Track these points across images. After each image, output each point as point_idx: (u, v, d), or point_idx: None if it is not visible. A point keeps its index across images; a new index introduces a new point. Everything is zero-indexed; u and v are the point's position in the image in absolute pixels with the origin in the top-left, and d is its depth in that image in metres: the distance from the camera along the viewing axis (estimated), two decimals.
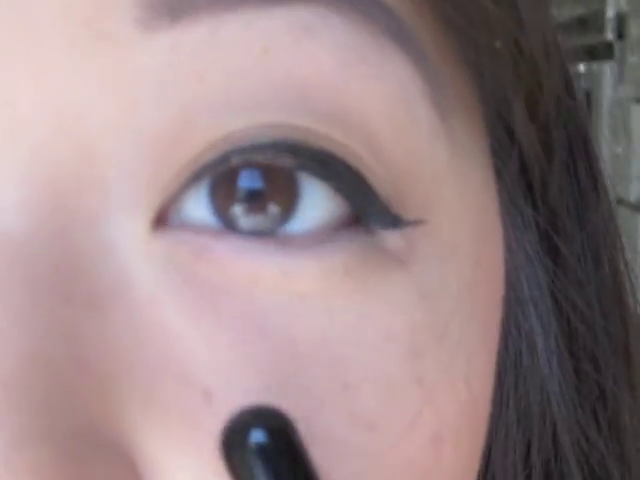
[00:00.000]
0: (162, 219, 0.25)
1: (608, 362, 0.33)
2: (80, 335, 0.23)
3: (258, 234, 0.25)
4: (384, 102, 0.25)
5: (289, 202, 0.25)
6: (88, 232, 0.24)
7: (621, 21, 1.94)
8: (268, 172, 0.25)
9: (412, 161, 0.26)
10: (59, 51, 0.23)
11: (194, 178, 0.25)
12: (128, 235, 0.24)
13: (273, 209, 0.25)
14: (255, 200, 0.25)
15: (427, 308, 0.26)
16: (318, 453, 0.22)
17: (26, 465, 0.21)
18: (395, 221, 0.26)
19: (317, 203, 0.25)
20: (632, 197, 1.92)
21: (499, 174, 0.30)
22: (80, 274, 0.23)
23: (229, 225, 0.25)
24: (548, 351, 0.32)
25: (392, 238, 0.26)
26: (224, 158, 0.24)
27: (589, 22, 1.89)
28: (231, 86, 0.24)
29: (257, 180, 0.25)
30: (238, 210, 0.25)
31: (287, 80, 0.24)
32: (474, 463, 0.28)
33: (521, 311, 0.31)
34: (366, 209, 0.26)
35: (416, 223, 0.26)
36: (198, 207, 0.25)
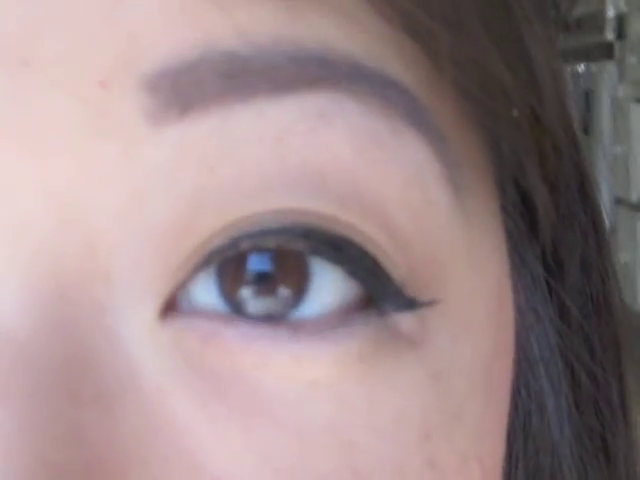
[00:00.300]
0: (170, 306, 0.24)
1: (616, 420, 0.33)
2: (87, 436, 0.23)
3: (268, 318, 0.24)
4: (400, 186, 0.25)
5: (300, 285, 0.25)
6: (93, 324, 0.23)
7: (621, 21, 1.94)
8: (278, 254, 0.24)
9: (428, 243, 0.25)
10: (64, 143, 0.23)
11: (202, 264, 0.24)
12: (134, 325, 0.24)
13: (283, 292, 0.25)
14: (264, 283, 0.24)
15: (440, 389, 0.26)
16: None
17: None
18: (410, 304, 0.25)
19: (329, 286, 0.25)
20: (632, 197, 1.93)
21: (510, 234, 0.29)
22: (86, 369, 0.23)
23: (237, 309, 0.24)
24: (558, 413, 0.31)
25: (406, 320, 0.25)
26: (233, 244, 0.24)
27: (589, 22, 1.89)
28: (243, 177, 0.23)
29: (266, 263, 0.24)
30: (247, 293, 0.24)
31: (302, 168, 0.23)
32: None
33: (531, 372, 0.31)
34: (380, 293, 0.25)
35: (430, 304, 0.25)
36: (206, 291, 0.24)
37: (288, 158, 0.23)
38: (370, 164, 0.24)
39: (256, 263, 0.24)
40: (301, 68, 0.23)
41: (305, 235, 0.24)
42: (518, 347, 0.30)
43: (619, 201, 1.97)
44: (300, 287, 0.25)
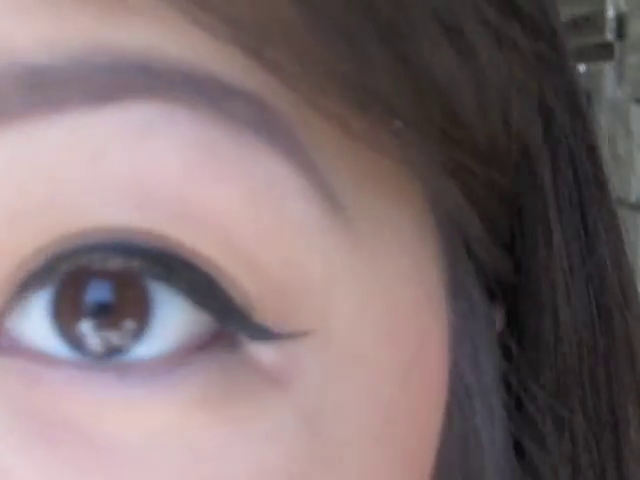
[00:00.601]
0: None
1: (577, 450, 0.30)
2: None
3: (110, 354, 0.23)
4: (243, 202, 0.22)
5: (142, 316, 0.23)
6: None
7: (621, 21, 1.94)
8: (118, 284, 0.23)
9: (286, 266, 0.23)
10: None
11: (21, 288, 0.22)
12: None
13: (127, 324, 0.23)
14: (105, 315, 0.23)
15: (311, 432, 0.23)
16: None
17: None
18: (265, 334, 0.23)
19: (174, 315, 0.23)
20: (632, 197, 1.92)
21: (445, 256, 0.27)
22: None
23: (75, 344, 0.23)
24: (492, 445, 0.28)
25: (266, 354, 0.23)
26: (51, 265, 0.22)
27: (589, 22, 1.89)
28: (56, 197, 0.22)
29: (106, 292, 0.23)
30: (86, 327, 0.23)
31: (123, 185, 0.22)
32: None
33: (467, 400, 0.28)
34: (227, 319, 0.23)
35: (293, 335, 0.23)
36: (36, 325, 0.23)
37: (104, 175, 0.22)
38: (204, 178, 0.22)
39: (95, 293, 0.23)
40: (119, 78, 0.22)
41: (126, 252, 0.22)
42: (453, 374, 0.27)
43: (619, 201, 1.97)
44: (142, 318, 0.23)
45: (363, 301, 0.24)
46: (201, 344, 0.23)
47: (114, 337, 0.23)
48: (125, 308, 0.23)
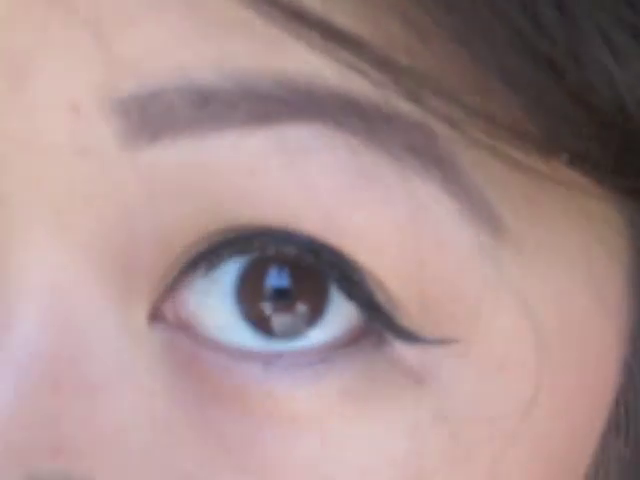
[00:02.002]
0: (161, 312, 0.25)
1: None
2: (60, 421, 0.23)
3: (289, 335, 0.24)
4: (394, 227, 0.24)
5: (317, 304, 0.24)
6: (86, 326, 0.24)
7: None
8: (295, 271, 0.24)
9: (437, 282, 0.24)
10: (52, 155, 0.23)
11: (189, 268, 0.24)
12: (125, 328, 0.24)
13: (301, 309, 0.24)
14: (283, 299, 0.24)
15: (445, 432, 0.25)
16: None
17: None
18: (413, 337, 0.24)
19: (343, 311, 0.24)
20: None
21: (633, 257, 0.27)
22: (73, 363, 0.24)
23: (257, 326, 0.25)
24: None
25: (410, 353, 0.24)
26: (215, 248, 0.24)
27: None
28: (218, 202, 0.23)
29: (285, 278, 0.24)
30: (267, 309, 0.25)
31: (276, 203, 0.23)
32: None
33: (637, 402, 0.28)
34: (375, 319, 0.24)
35: (440, 342, 0.24)
36: (215, 306, 0.25)
37: (261, 192, 0.23)
38: (353, 203, 0.23)
39: (274, 279, 0.24)
40: (281, 100, 0.23)
41: (277, 241, 0.24)
42: (625, 372, 0.27)
43: None
44: (317, 306, 0.24)
45: (516, 316, 0.25)
46: (351, 339, 0.24)
47: (290, 321, 0.24)
48: (302, 294, 0.24)
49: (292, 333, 0.24)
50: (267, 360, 0.24)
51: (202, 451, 0.24)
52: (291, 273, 0.24)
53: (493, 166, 0.24)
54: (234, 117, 0.23)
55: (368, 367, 0.24)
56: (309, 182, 0.23)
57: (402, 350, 0.24)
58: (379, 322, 0.24)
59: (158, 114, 0.23)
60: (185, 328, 0.25)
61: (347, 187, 0.23)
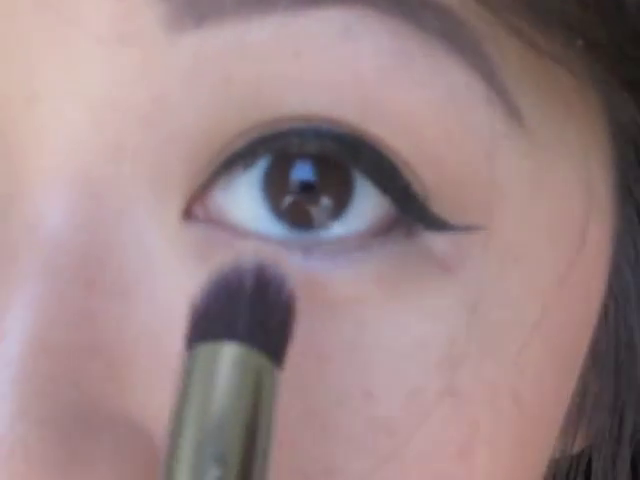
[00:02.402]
0: (193, 211, 0.25)
1: None
2: (96, 321, 0.23)
3: (308, 227, 0.25)
4: (431, 108, 0.24)
5: (342, 197, 0.25)
6: (117, 222, 0.24)
7: None
8: (321, 164, 0.25)
9: (466, 166, 0.25)
10: (90, 47, 0.23)
11: (224, 167, 0.25)
12: (158, 225, 0.24)
13: (326, 202, 0.25)
14: (307, 192, 0.25)
15: (473, 318, 0.25)
16: (328, 448, 0.23)
17: (8, 447, 0.22)
18: (440, 224, 0.25)
19: (369, 201, 0.25)
20: None
21: (618, 165, 0.28)
22: (106, 261, 0.24)
23: (282, 218, 0.25)
24: None
25: (438, 243, 0.25)
26: (251, 147, 0.24)
27: None
28: (260, 88, 0.24)
29: (309, 172, 0.25)
30: (290, 200, 0.25)
31: (319, 84, 0.24)
32: (524, 473, 0.27)
33: (625, 304, 0.30)
34: (409, 210, 0.25)
35: (466, 229, 0.25)
36: (248, 200, 0.25)
37: (305, 73, 0.23)
38: (396, 85, 0.24)
39: (300, 173, 0.25)
40: None
41: (318, 136, 0.24)
42: (613, 276, 0.29)
43: None
44: (342, 199, 0.25)
45: (530, 203, 0.26)
46: (382, 229, 0.25)
47: (315, 213, 0.25)
48: (327, 188, 0.25)
49: (321, 225, 0.25)
50: (306, 248, 0.24)
51: None
52: (317, 167, 0.25)
53: (514, 57, 0.25)
54: (276, 2, 0.23)
55: (400, 256, 0.25)
56: (352, 63, 0.23)
57: (430, 240, 0.25)
58: (412, 213, 0.25)
59: None
60: (219, 224, 0.25)
61: (387, 69, 0.24)
